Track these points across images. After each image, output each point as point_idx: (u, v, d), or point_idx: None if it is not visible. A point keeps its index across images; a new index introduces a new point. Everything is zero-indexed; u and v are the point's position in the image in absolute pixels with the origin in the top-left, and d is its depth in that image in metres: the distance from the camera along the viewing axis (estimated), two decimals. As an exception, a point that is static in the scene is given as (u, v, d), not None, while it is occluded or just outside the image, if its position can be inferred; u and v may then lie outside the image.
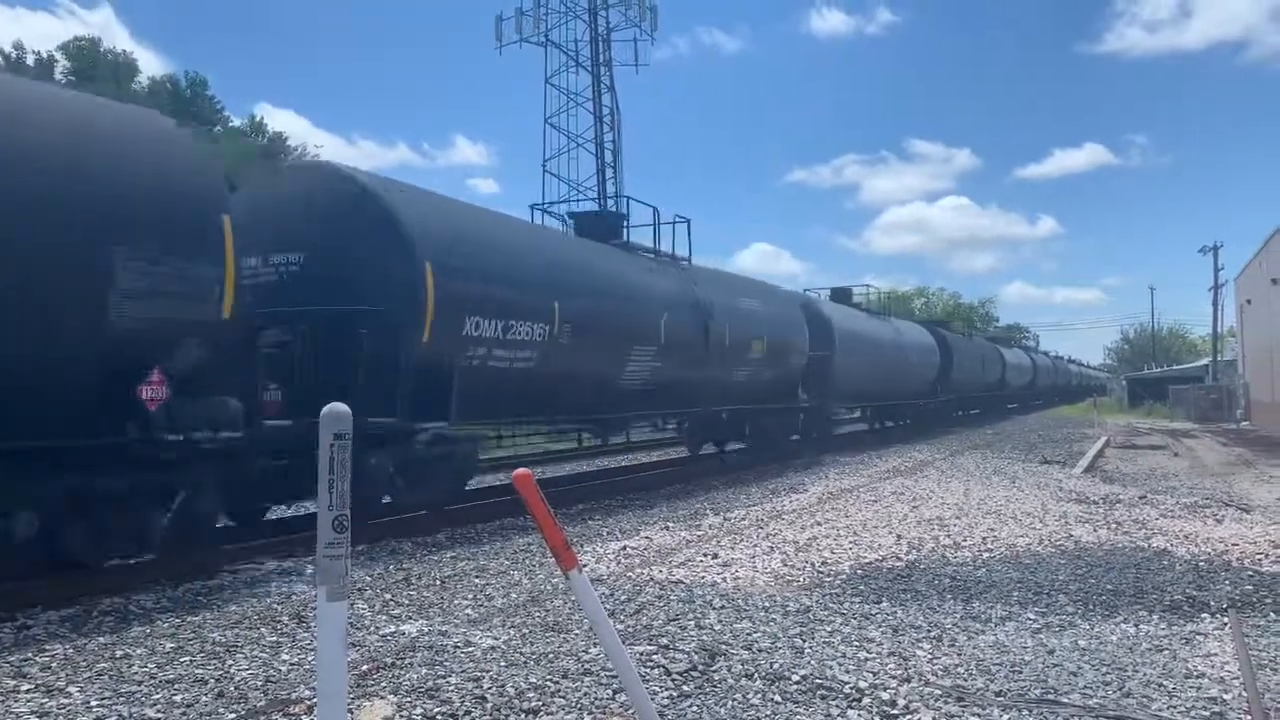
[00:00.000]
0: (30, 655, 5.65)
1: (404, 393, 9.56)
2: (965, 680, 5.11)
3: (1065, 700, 4.80)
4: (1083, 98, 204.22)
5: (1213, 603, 7.05)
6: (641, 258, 15.15)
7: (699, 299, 15.72)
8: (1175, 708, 4.73)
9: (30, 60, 35.67)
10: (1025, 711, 4.61)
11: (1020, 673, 5.25)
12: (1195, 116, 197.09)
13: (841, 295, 27.41)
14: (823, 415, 22.60)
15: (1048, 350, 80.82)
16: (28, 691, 4.96)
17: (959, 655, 5.60)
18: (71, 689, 4.99)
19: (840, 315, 23.59)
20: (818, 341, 20.93)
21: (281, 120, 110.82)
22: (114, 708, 4.69)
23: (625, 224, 15.51)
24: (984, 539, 9.76)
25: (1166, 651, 5.76)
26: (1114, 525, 10.77)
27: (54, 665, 5.45)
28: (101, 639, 6.04)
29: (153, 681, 5.11)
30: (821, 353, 21.12)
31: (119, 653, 5.68)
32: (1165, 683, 5.11)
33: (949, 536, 9.89)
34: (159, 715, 4.59)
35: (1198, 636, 6.13)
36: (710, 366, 15.88)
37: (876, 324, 26.63)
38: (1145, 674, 5.26)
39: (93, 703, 4.77)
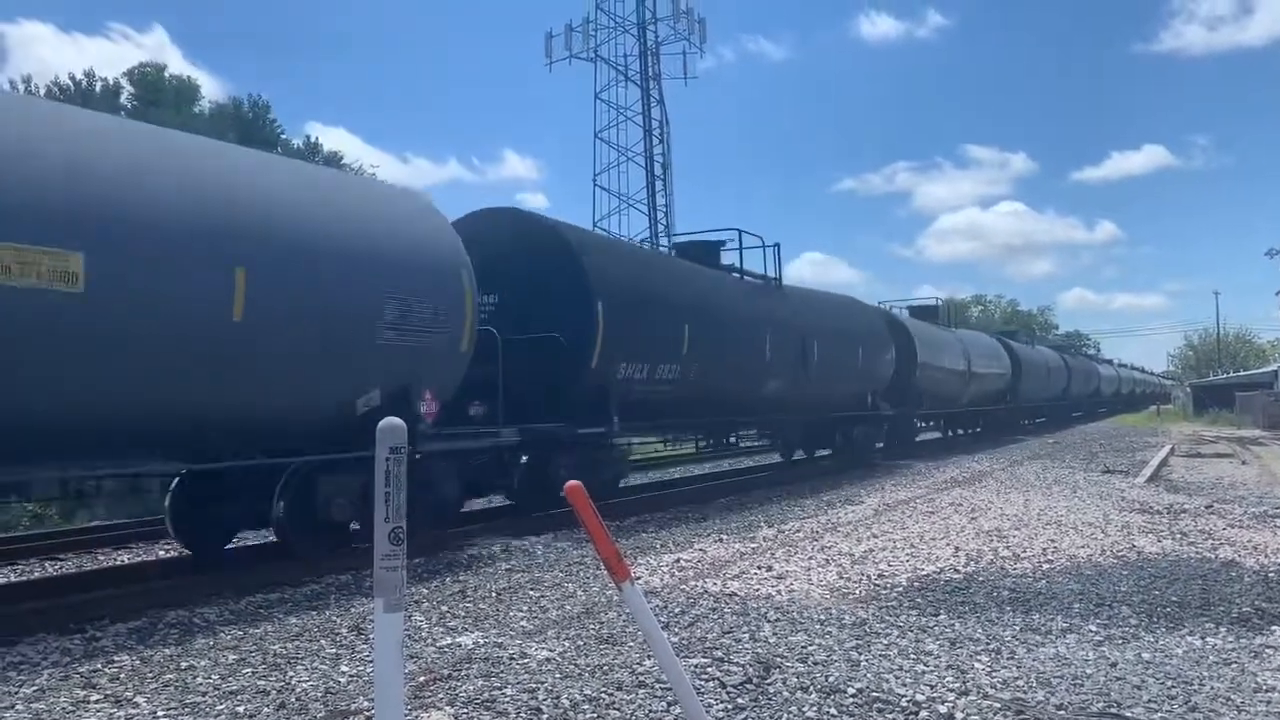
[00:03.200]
0: (99, 666, 5.80)
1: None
2: (1025, 693, 5.03)
3: (1129, 714, 4.70)
4: (1140, 98, 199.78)
5: (1283, 615, 6.87)
6: (943, 327, 30.00)
7: (964, 346, 29.29)
8: (1244, 722, 4.61)
9: (98, 88, 36.71)
10: (1087, 726, 4.53)
11: (1082, 686, 5.16)
12: (1259, 115, 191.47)
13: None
14: (1017, 415, 37.56)
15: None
16: (97, 702, 5.09)
17: (1018, 668, 5.51)
18: (139, 699, 5.11)
19: (1022, 349, 37.57)
20: (1014, 365, 34.25)
21: (334, 139, 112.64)
22: (180, 718, 4.80)
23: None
24: (1044, 550, 9.60)
25: (1235, 665, 5.62)
26: (1179, 536, 10.53)
27: (122, 676, 5.59)
28: (167, 650, 6.18)
29: (216, 692, 5.21)
30: (1014, 372, 34.20)
31: (184, 664, 5.81)
32: (1233, 697, 4.99)
33: (1008, 548, 9.74)
34: (223, 725, 4.69)
35: (1268, 650, 5.96)
36: (970, 386, 29.17)
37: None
38: (1213, 688, 5.14)
39: (159, 713, 4.88)
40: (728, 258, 16.74)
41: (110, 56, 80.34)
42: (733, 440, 18.59)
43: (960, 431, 32.18)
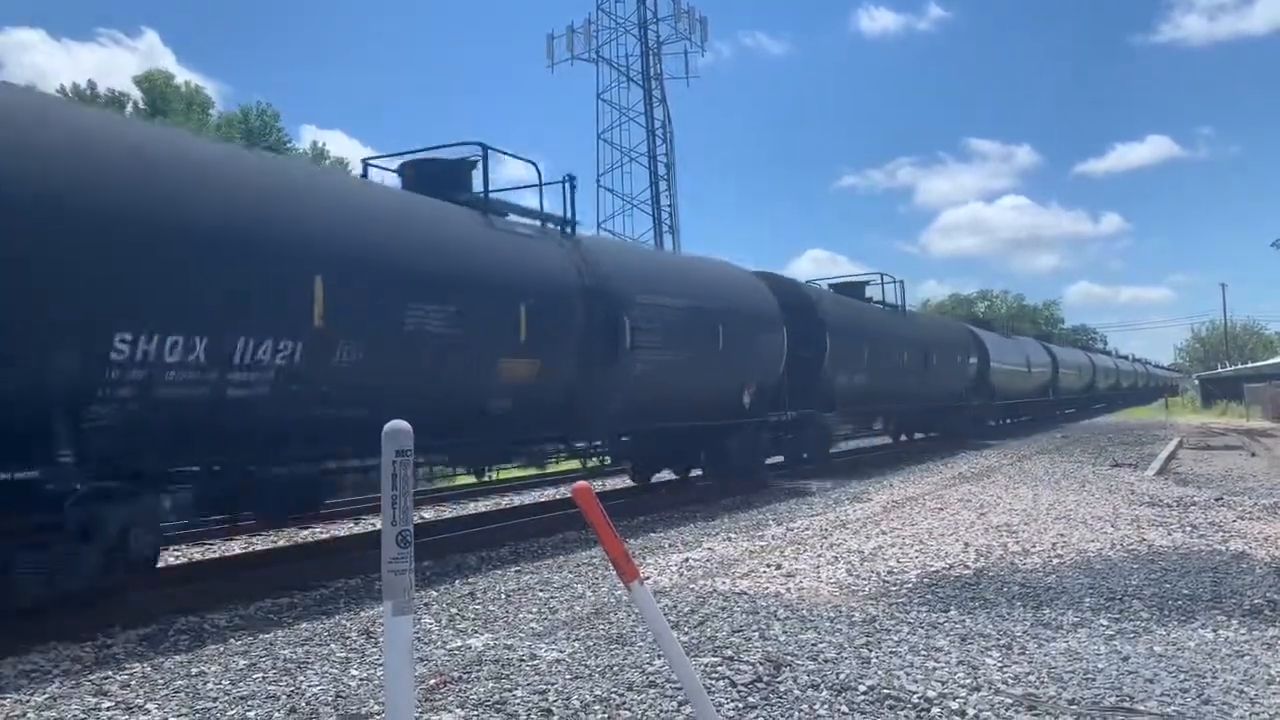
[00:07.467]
0: (110, 673, 5.81)
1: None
2: (1037, 688, 5.02)
3: (1141, 708, 4.69)
4: (1143, 89, 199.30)
5: (1295, 606, 6.84)
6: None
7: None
8: (1257, 715, 4.60)
9: (104, 96, 36.82)
10: (1100, 720, 4.51)
11: (1094, 680, 5.14)
12: (1264, 104, 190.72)
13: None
14: (1056, 406, 44.33)
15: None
16: (109, 709, 5.10)
17: (1030, 663, 5.50)
18: (150, 706, 5.12)
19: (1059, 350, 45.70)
20: (1054, 364, 41.04)
21: (332, 141, 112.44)
22: (191, 724, 4.80)
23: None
24: (1054, 545, 9.58)
25: (1247, 657, 5.60)
26: (1189, 528, 10.50)
27: (133, 683, 5.60)
28: (178, 657, 6.19)
29: (227, 698, 5.22)
30: (1054, 370, 41.16)
31: (194, 670, 5.82)
32: (1246, 689, 4.97)
33: (1018, 543, 9.72)
34: (234, 731, 4.69)
35: (1280, 641, 5.95)
36: (1026, 383, 35.52)
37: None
38: (1225, 680, 5.12)
39: (170, 719, 4.89)
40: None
41: (104, 62, 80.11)
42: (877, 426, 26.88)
43: (1009, 420, 37.25)
